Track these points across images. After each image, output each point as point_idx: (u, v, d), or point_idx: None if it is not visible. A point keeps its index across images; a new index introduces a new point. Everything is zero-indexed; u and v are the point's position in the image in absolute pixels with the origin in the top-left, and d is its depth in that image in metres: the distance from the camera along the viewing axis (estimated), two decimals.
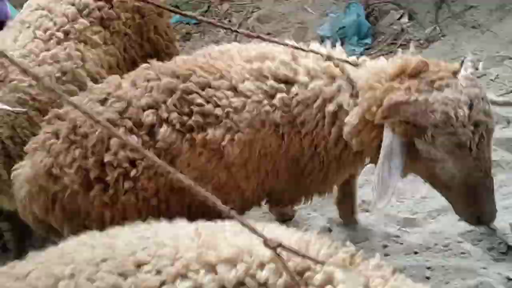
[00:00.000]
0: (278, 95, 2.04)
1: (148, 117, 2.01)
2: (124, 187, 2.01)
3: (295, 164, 2.13)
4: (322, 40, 4.33)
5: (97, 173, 2.02)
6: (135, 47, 2.81)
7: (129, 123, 2.01)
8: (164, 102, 2.03)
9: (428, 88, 1.86)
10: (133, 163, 2.01)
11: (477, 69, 3.89)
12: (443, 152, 1.88)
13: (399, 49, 4.15)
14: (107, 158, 2.00)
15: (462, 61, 1.98)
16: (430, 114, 1.84)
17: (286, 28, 4.55)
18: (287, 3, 4.77)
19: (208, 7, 4.88)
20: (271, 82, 2.05)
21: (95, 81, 2.58)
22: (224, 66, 2.09)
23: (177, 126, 2.01)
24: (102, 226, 2.01)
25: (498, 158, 3.32)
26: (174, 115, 2.02)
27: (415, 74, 1.89)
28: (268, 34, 4.53)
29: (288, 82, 2.07)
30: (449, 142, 1.86)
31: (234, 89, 2.05)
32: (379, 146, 1.92)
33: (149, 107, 2.03)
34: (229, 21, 4.71)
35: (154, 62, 2.26)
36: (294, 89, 2.05)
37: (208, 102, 2.04)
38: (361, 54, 4.12)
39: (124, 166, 2.00)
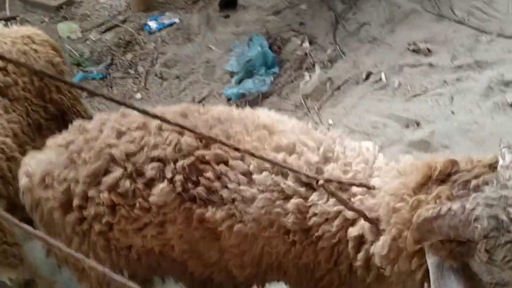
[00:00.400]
0: (294, 200, 1.76)
1: (152, 170, 1.85)
2: (97, 228, 1.93)
3: (310, 272, 1.87)
4: (231, 75, 4.39)
5: (79, 203, 1.94)
6: (38, 110, 2.68)
7: (131, 168, 1.88)
8: (175, 161, 1.84)
9: (463, 192, 1.47)
10: (113, 208, 1.90)
11: (381, 80, 4.12)
12: (508, 269, 1.42)
13: (305, 73, 4.36)
14: (91, 192, 1.91)
15: (502, 151, 1.55)
16: (475, 224, 1.40)
17: (194, 69, 4.55)
18: (191, 45, 4.79)
19: (112, 59, 4.79)
20: (289, 182, 1.77)
21: (2, 151, 2.43)
22: (250, 147, 1.82)
23: (179, 189, 1.83)
24: (69, 246, 1.94)
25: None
26: (179, 177, 1.84)
27: (444, 178, 1.52)
28: (177, 77, 4.53)
29: (310, 186, 1.77)
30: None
31: (249, 176, 1.81)
32: (426, 274, 1.53)
33: (158, 160, 1.87)
34: (136, 70, 4.65)
35: (198, 107, 2.00)
36: (314, 197, 1.75)
37: (218, 179, 1.83)
38: (271, 82, 4.21)
39: (103, 208, 1.90)
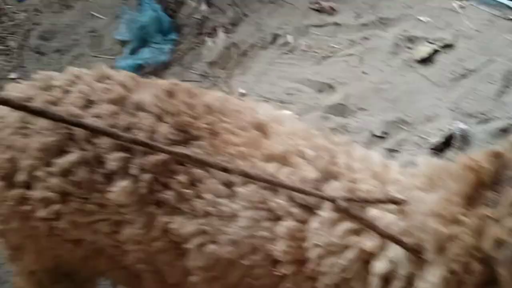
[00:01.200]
0: (286, 222, 1.38)
1: (115, 162, 1.48)
2: (42, 214, 1.59)
3: None
4: (122, 45, 3.89)
5: (24, 179, 1.57)
6: None
7: (91, 152, 1.50)
8: (145, 154, 1.47)
9: None
10: (66, 197, 1.55)
11: (288, 42, 3.88)
12: None
13: (207, 38, 3.99)
14: (39, 172, 1.55)
15: None
16: None
17: (77, 39, 3.97)
18: (70, 13, 4.18)
19: None
20: (280, 200, 1.36)
21: None
22: (236, 152, 1.45)
23: (143, 190, 1.48)
24: (6, 225, 1.71)
25: (334, 125, 3.33)
26: (146, 176, 1.47)
27: (498, 178, 1.16)
28: (58, 50, 3.93)
29: (307, 207, 1.38)
30: None
31: (231, 187, 1.44)
32: None
33: (125, 149, 1.48)
34: (6, 45, 3.95)
35: (190, 86, 1.64)
36: (315, 223, 1.36)
37: (193, 185, 1.46)
38: (171, 50, 3.79)
39: (53, 195, 1.56)
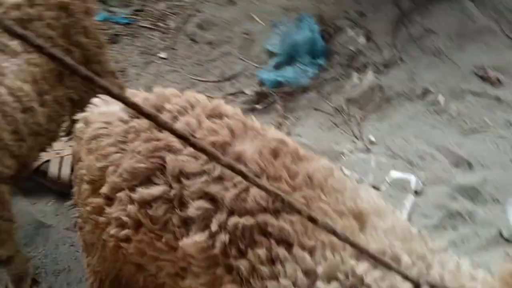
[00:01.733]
0: None
1: (197, 211, 1.41)
2: (113, 232, 1.56)
3: None
4: (269, 55, 3.86)
5: (107, 193, 1.56)
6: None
7: (176, 190, 1.44)
8: (230, 213, 1.37)
9: None
10: (139, 226, 1.50)
11: (438, 102, 3.59)
12: None
13: (354, 73, 3.83)
14: (121, 194, 1.52)
15: None
16: None
17: (230, 37, 4.01)
18: (232, 9, 4.23)
19: (142, 5, 4.24)
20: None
21: (19, 100, 2.01)
22: (328, 241, 1.34)
23: (216, 250, 1.39)
24: (83, 222, 1.76)
25: (459, 208, 3.01)
26: (224, 236, 1.37)
27: None
28: (210, 43, 4.00)
29: None
30: None
31: (313, 278, 1.29)
32: None
33: (212, 199, 1.41)
34: (166, 24, 4.11)
35: (297, 148, 1.51)
36: None
37: (271, 263, 1.32)
38: (314, 75, 3.68)
39: (128, 220, 1.52)
